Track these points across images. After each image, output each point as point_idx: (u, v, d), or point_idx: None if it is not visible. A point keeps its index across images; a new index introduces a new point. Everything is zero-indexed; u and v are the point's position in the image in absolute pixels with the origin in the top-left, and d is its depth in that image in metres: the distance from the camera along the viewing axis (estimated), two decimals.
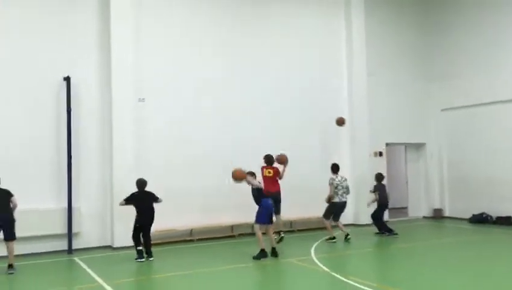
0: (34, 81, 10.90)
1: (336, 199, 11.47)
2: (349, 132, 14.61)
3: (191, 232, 12.15)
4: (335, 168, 11.76)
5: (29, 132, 10.78)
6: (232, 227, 12.62)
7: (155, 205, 9.89)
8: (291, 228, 13.18)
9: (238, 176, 9.36)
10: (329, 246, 11.05)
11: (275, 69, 13.73)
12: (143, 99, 11.80)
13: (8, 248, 8.74)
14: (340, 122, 12.94)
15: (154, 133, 11.91)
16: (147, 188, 9.92)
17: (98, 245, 11.29)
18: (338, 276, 8.04)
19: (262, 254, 9.49)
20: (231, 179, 9.45)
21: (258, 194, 9.74)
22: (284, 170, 11.24)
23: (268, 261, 9.51)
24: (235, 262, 9.24)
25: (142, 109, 11.83)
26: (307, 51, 14.34)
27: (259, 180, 10.07)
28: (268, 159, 11.16)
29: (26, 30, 10.93)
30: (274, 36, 13.81)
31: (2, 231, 8.81)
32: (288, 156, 11.50)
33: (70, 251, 10.79)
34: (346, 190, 11.64)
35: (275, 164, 11.26)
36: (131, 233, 9.80)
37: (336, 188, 11.47)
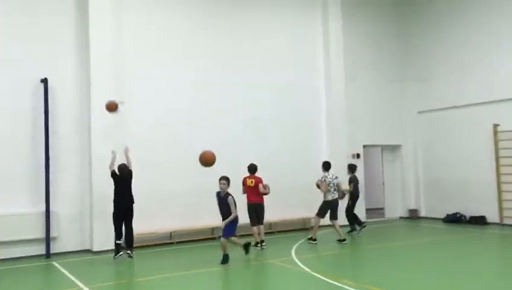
0: (10, 83, 10.74)
1: (329, 197, 11.43)
2: (327, 135, 14.83)
3: (171, 235, 12.13)
4: (326, 166, 11.68)
5: (4, 133, 10.61)
6: (212, 229, 12.64)
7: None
8: (270, 229, 13.28)
9: (208, 159, 8.91)
10: (309, 247, 11.18)
11: (253, 71, 13.85)
12: (122, 102, 11.68)
13: None
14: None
15: (133, 136, 11.82)
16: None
17: (77, 249, 11.17)
18: (318, 276, 8.17)
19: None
20: (199, 162, 9.00)
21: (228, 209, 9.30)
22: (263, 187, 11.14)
23: (251, 262, 9.60)
24: (216, 265, 9.27)
25: (122, 112, 11.71)
26: (285, 54, 14.52)
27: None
28: (251, 169, 11.20)
29: (3, 32, 10.77)
30: (252, 38, 13.96)
31: None
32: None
33: (48, 255, 10.65)
34: (337, 188, 11.62)
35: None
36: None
37: (328, 185, 11.45)
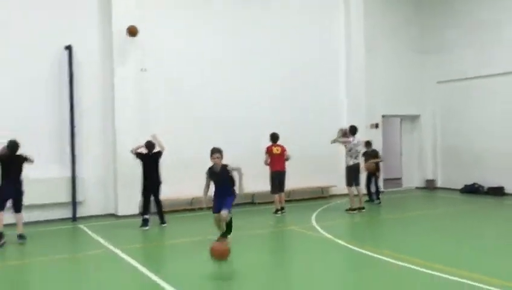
0: (35, 51, 10.85)
1: (350, 162, 11.40)
2: (347, 105, 14.82)
3: (192, 201, 12.37)
4: (353, 130, 11.52)
5: (32, 100, 10.80)
6: None
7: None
8: (289, 197, 13.44)
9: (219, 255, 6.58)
10: (328, 215, 11.34)
11: (275, 46, 13.77)
12: (145, 69, 11.81)
13: (16, 218, 8.77)
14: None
15: (156, 103, 11.98)
16: None
17: (101, 213, 11.49)
18: (340, 241, 8.35)
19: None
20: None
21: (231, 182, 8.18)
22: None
23: (271, 228, 9.84)
24: (238, 230, 9.47)
25: (144, 79, 11.85)
26: (306, 27, 14.37)
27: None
28: (275, 137, 11.34)
29: (26, 1, 10.82)
30: (273, 15, 13.87)
31: (12, 202, 8.77)
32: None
33: (74, 218, 10.99)
34: (359, 154, 11.67)
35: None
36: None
37: (350, 151, 11.38)
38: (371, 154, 13.08)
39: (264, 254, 8.16)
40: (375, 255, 7.29)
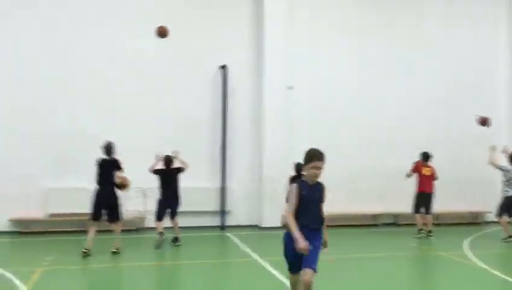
0: (194, 69, 11.91)
1: (510, 193, 10.34)
2: (508, 124, 13.58)
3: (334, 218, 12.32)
4: None
5: (191, 115, 11.83)
6: (374, 216, 12.57)
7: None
8: (436, 221, 12.62)
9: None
10: (485, 243, 10.39)
11: (430, 61, 13.32)
12: (292, 87, 12.20)
13: (173, 223, 9.53)
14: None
15: (301, 119, 12.31)
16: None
17: (247, 223, 12.06)
18: (497, 273, 7.58)
19: None
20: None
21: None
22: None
23: (416, 251, 9.35)
24: (376, 250, 9.18)
25: (291, 96, 12.23)
26: (464, 39, 13.62)
27: None
28: (427, 156, 10.91)
29: (186, 24, 11.87)
30: (426, 26, 13.41)
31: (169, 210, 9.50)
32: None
33: (223, 227, 11.69)
34: None
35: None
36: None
37: (509, 180, 10.30)
38: None
39: (406, 278, 7.77)
40: None
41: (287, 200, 4.79)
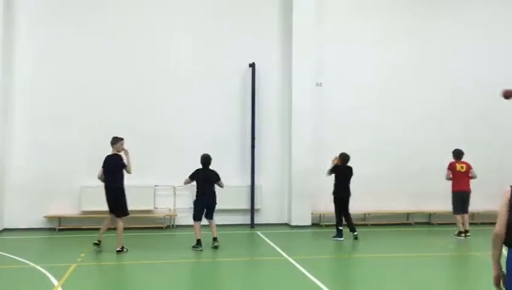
0: (224, 67, 11.94)
1: None
2: None
3: (365, 216, 12.16)
4: None
5: (219, 113, 11.89)
6: (407, 215, 12.32)
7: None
8: (473, 220, 12.20)
9: None
10: None
11: (463, 56, 12.96)
12: (320, 84, 12.08)
13: (210, 224, 9.32)
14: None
15: (330, 116, 12.15)
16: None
17: (276, 222, 11.99)
18: None
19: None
20: None
21: None
22: None
23: (454, 253, 9.08)
24: (419, 250, 8.98)
25: (319, 93, 12.10)
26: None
27: None
28: (459, 153, 10.62)
29: (218, 24, 11.98)
30: (462, 23, 13.03)
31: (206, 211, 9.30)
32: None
33: (252, 225, 11.69)
34: None
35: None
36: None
37: None
38: None
39: (444, 280, 7.58)
40: None
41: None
